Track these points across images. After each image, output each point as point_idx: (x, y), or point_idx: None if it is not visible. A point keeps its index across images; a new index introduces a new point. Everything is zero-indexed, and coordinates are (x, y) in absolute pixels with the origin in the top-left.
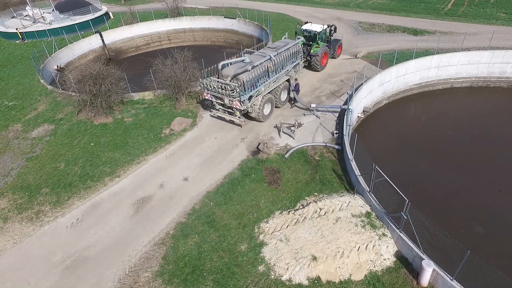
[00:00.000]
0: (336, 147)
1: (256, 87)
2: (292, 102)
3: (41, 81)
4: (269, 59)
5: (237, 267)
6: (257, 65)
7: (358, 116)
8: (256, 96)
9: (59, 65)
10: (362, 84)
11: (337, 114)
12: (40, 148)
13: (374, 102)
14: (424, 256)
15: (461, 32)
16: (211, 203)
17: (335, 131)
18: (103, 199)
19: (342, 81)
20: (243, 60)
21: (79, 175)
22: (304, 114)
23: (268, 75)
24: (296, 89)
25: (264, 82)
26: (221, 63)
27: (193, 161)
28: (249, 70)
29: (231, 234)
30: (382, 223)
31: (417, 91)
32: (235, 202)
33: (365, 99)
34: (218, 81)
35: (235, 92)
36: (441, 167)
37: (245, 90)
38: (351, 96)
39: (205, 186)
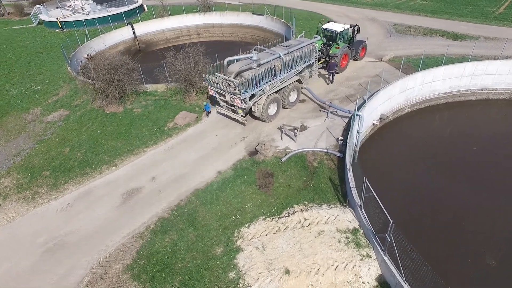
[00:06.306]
0: (338, 154)
1: (260, 86)
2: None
3: (68, 68)
4: (278, 57)
5: (207, 270)
6: (263, 63)
7: (373, 124)
8: (260, 95)
9: (89, 54)
10: (379, 89)
11: (346, 120)
12: (51, 132)
13: (394, 109)
14: (405, 286)
15: (506, 39)
16: (197, 201)
17: (340, 138)
18: (96, 186)
19: (360, 85)
20: (251, 57)
21: (79, 161)
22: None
23: (275, 74)
24: (332, 66)
25: (269, 81)
26: (227, 59)
27: (189, 157)
28: (254, 68)
29: (209, 235)
30: (368, 242)
31: (445, 101)
32: (220, 203)
33: (383, 105)
34: (221, 77)
35: (236, 89)
36: (458, 186)
37: (247, 88)
38: (364, 102)
39: (195, 183)
